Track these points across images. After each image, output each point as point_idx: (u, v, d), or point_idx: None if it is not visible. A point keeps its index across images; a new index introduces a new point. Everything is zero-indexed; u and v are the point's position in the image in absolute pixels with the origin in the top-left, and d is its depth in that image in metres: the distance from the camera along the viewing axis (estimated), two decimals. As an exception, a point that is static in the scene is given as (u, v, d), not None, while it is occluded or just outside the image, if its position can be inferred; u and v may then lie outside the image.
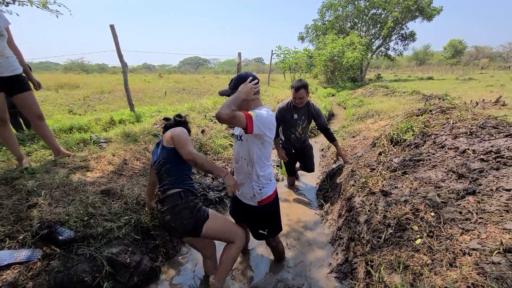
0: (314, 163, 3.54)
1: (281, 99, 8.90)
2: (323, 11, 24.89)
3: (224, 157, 4.06)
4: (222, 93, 1.78)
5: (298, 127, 3.22)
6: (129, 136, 3.59)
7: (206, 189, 3.21)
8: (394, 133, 3.09)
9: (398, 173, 2.36)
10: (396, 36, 24.57)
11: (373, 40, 24.34)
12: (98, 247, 1.84)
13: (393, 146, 3.01)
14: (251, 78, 1.65)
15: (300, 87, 2.94)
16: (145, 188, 2.59)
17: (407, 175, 2.26)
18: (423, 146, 2.62)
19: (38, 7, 4.63)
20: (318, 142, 5.70)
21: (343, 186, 2.89)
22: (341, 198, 2.77)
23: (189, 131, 2.08)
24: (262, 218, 1.92)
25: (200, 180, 3.31)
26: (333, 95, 13.85)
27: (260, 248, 2.41)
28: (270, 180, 1.84)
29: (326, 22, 24.84)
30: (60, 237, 1.73)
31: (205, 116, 5.48)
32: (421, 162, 2.34)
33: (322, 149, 5.13)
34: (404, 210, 1.84)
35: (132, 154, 3.18)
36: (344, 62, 17.18)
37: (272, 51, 15.17)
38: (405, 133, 3.03)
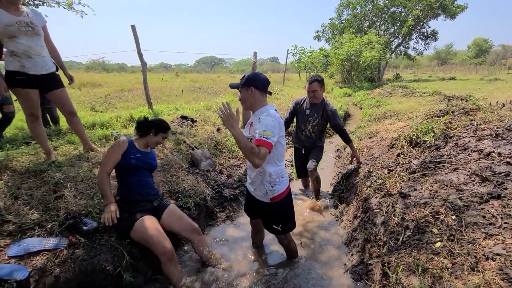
0: (316, 161, 3.11)
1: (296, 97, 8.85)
2: (340, 10, 24.48)
3: (239, 156, 4.10)
4: (232, 86, 1.89)
5: (308, 124, 3.12)
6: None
7: (221, 187, 3.26)
8: (414, 134, 3.01)
9: (418, 175, 2.30)
10: (417, 35, 23.76)
11: (392, 39, 23.68)
12: (119, 238, 1.92)
13: (412, 147, 2.93)
14: (226, 103, 1.65)
15: (314, 81, 2.93)
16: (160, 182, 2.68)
17: (427, 177, 2.20)
18: (444, 148, 2.54)
19: (64, 8, 4.87)
20: (333, 142, 5.63)
21: (359, 187, 2.85)
22: (357, 199, 2.73)
23: (149, 131, 2.08)
24: (275, 215, 1.95)
25: (215, 178, 3.37)
26: (349, 95, 13.61)
27: (273, 246, 2.42)
28: (282, 177, 1.87)
29: (344, 21, 24.41)
30: (85, 227, 1.82)
31: (221, 114, 5.55)
32: (442, 164, 2.27)
33: (338, 150, 5.07)
34: (423, 212, 1.80)
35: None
36: (361, 62, 16.83)
37: (288, 50, 15.12)
38: (425, 134, 2.94)
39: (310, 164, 3.07)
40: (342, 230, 2.65)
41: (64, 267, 1.65)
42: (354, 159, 3.36)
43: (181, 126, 4.38)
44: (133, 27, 4.81)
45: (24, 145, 3.00)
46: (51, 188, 2.17)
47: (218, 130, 4.53)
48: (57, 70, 2.73)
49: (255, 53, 8.44)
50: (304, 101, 3.15)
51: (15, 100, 3.62)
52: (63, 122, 4.05)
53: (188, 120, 4.61)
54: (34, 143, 2.97)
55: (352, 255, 2.22)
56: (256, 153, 1.57)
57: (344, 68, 18.49)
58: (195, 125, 4.58)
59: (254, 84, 1.75)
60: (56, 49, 2.69)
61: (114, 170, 1.99)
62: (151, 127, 2.07)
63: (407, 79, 22.55)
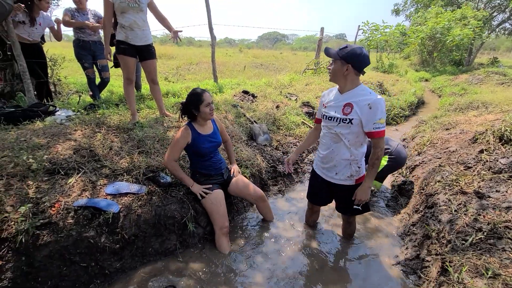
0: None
1: (364, 80, 8.21)
2: (429, -22, 20.82)
3: (296, 134, 4.11)
4: (328, 53, 1.69)
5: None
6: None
7: (276, 162, 3.36)
8: (507, 130, 2.56)
9: (503, 176, 2.00)
10: (533, 8, 18.87)
11: (494, 14, 19.35)
12: (187, 193, 2.20)
13: (502, 145, 2.51)
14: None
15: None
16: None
17: (516, 180, 1.89)
18: (547, 148, 2.11)
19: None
20: (399, 131, 5.15)
21: (426, 181, 2.61)
22: (422, 193, 2.52)
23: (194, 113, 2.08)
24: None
25: (271, 153, 3.47)
26: (426, 80, 11.95)
27: (325, 225, 2.45)
28: (364, 157, 1.85)
29: (432, -8, 20.79)
30: (162, 181, 2.13)
31: (281, 92, 5.54)
32: (541, 167, 1.91)
33: (404, 139, 4.63)
34: (504, 217, 1.59)
35: (216, 119, 3.53)
36: (448, 41, 14.31)
37: (359, 26, 13.78)
38: (522, 130, 2.48)
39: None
40: (398, 222, 2.51)
41: (144, 209, 1.99)
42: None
43: (242, 100, 4.56)
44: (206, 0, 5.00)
45: (115, 107, 3.54)
46: (135, 144, 2.56)
47: (277, 107, 4.58)
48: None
49: (322, 29, 8.00)
50: None
51: (111, 67, 4.24)
52: (143, 89, 4.62)
53: (249, 95, 4.75)
54: (123, 105, 3.49)
55: (407, 248, 2.12)
56: (381, 154, 1.66)
57: (425, 48, 16.04)
58: (255, 100, 4.70)
59: (353, 63, 1.60)
60: (165, 17, 3.04)
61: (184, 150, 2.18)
62: (190, 109, 2.06)
63: (508, 64, 18.50)
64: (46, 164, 2.00)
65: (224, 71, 9.28)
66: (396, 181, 3.17)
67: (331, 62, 1.71)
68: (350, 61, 1.60)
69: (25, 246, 1.56)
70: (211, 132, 2.20)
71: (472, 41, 15.73)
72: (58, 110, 3.17)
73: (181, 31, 3.11)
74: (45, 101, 3.56)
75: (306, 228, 2.41)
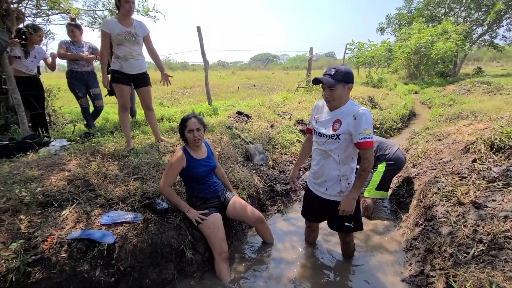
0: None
1: (354, 95, 8.40)
2: (410, -3, 22.00)
3: (291, 152, 4.13)
4: (327, 82, 1.64)
5: None
6: (207, 127, 4.00)
7: (273, 181, 3.35)
8: (497, 138, 2.61)
9: (498, 185, 2.01)
10: (509, 21, 19.90)
11: (474, 28, 20.34)
12: (183, 219, 2.16)
13: (494, 153, 2.55)
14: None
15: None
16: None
17: (510, 188, 1.91)
18: (537, 155, 2.15)
19: (142, 15, 5.56)
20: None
21: (423, 193, 2.61)
22: (420, 205, 2.51)
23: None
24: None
25: (268, 172, 3.47)
26: (415, 93, 12.28)
27: (325, 244, 2.41)
28: (354, 172, 1.85)
29: (413, 10, 21.91)
30: (158, 207, 2.10)
31: (275, 111, 5.64)
32: (533, 174, 1.93)
33: (399, 152, 4.67)
34: (503, 227, 1.58)
35: (209, 143, 3.55)
36: (432, 55, 14.90)
37: (346, 45, 14.34)
38: (511, 139, 2.53)
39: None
40: (400, 237, 2.48)
41: (140, 238, 1.94)
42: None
43: (236, 121, 4.61)
44: (198, 28, 5.21)
45: (109, 134, 3.55)
46: (131, 171, 2.55)
47: (272, 126, 4.63)
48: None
49: (311, 49, 8.29)
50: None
51: (105, 95, 4.30)
52: (138, 115, 4.66)
53: (243, 116, 4.82)
54: (117, 133, 3.50)
55: (410, 264, 2.07)
56: (368, 166, 1.67)
57: (411, 62, 16.66)
58: (249, 121, 4.76)
59: (351, 81, 1.67)
60: (157, 54, 3.13)
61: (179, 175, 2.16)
62: (180, 132, 2.13)
63: (491, 73, 19.16)
64: (39, 196, 1.97)
65: (218, 93, 9.45)
66: (394, 195, 3.17)
67: (325, 89, 1.69)
68: (350, 81, 1.67)
69: (16, 285, 1.50)
70: (205, 156, 2.20)
71: (456, 54, 16.39)
72: (52, 141, 3.17)
73: (171, 76, 3.22)
74: (40, 132, 3.57)
75: (307, 248, 2.36)
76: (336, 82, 1.63)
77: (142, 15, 5.54)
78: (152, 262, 1.93)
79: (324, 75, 1.69)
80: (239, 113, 4.90)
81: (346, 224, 1.90)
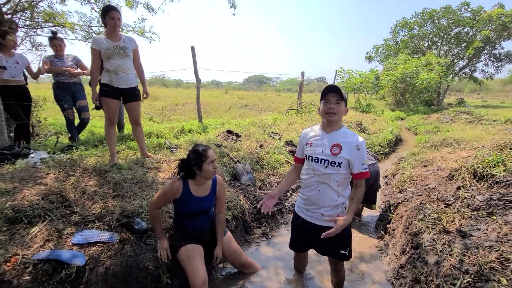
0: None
1: (343, 119, 8.60)
2: (396, 30, 23.44)
3: (280, 173, 4.09)
4: (340, 93, 1.66)
5: None
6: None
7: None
8: (479, 167, 2.67)
9: (482, 213, 2.02)
10: (486, 56, 21.36)
11: (455, 61, 21.68)
12: (163, 240, 2.05)
13: (477, 181, 2.59)
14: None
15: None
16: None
17: (494, 217, 1.91)
18: (518, 185, 2.20)
19: (138, 34, 5.66)
20: (381, 168, 5.26)
21: (409, 219, 2.60)
22: (406, 232, 2.48)
23: (193, 169, 1.89)
24: (344, 239, 1.84)
25: (255, 193, 3.40)
26: (402, 119, 12.70)
27: (313, 272, 2.31)
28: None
29: (399, 42, 23.27)
30: (136, 227, 2.00)
31: (265, 131, 5.66)
32: (515, 203, 1.96)
33: (386, 176, 4.72)
34: (488, 257, 1.56)
35: (221, 182, 3.49)
36: (417, 84, 15.67)
37: (336, 71, 14.91)
38: (493, 167, 2.59)
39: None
40: (387, 266, 2.42)
41: (114, 260, 1.82)
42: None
43: (226, 140, 4.58)
44: (192, 48, 5.31)
45: (93, 148, 3.45)
46: (111, 187, 2.44)
47: (261, 146, 4.62)
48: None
49: (302, 73, 8.55)
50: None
51: (92, 109, 4.24)
52: (126, 130, 4.58)
53: (233, 135, 4.80)
54: (102, 146, 3.40)
55: (397, 294, 2.00)
56: (363, 192, 1.70)
57: (398, 90, 17.41)
58: (239, 140, 4.74)
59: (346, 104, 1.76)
60: (142, 68, 3.15)
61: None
62: (191, 165, 1.87)
63: (472, 104, 20.20)
64: (8, 212, 1.84)
65: (209, 111, 9.49)
66: (381, 220, 3.14)
67: (331, 103, 1.66)
68: (346, 104, 1.74)
69: (-34, 312, 1.35)
70: (205, 195, 1.99)
71: (439, 84, 17.29)
72: (32, 152, 3.04)
73: (146, 98, 3.22)
74: (21, 143, 3.43)
75: (294, 276, 2.25)
76: (342, 97, 1.68)
77: (138, 35, 5.67)
78: (125, 288, 1.80)
79: None
80: (229, 131, 4.89)
81: (342, 252, 1.84)
